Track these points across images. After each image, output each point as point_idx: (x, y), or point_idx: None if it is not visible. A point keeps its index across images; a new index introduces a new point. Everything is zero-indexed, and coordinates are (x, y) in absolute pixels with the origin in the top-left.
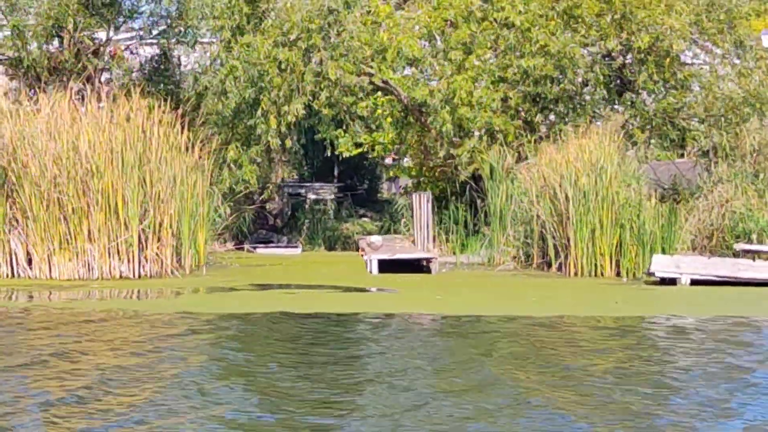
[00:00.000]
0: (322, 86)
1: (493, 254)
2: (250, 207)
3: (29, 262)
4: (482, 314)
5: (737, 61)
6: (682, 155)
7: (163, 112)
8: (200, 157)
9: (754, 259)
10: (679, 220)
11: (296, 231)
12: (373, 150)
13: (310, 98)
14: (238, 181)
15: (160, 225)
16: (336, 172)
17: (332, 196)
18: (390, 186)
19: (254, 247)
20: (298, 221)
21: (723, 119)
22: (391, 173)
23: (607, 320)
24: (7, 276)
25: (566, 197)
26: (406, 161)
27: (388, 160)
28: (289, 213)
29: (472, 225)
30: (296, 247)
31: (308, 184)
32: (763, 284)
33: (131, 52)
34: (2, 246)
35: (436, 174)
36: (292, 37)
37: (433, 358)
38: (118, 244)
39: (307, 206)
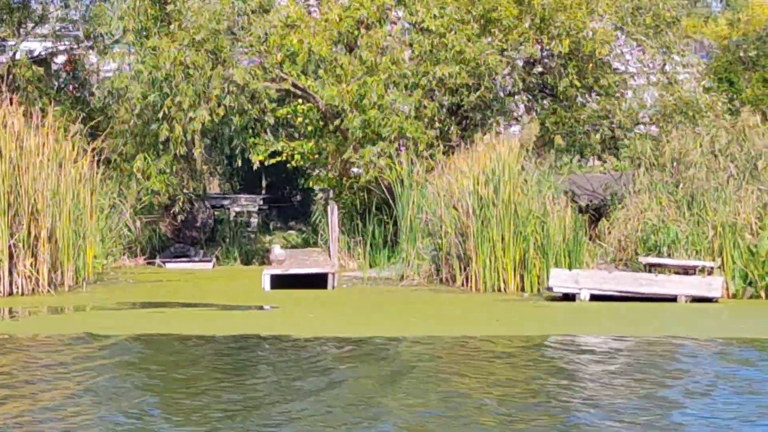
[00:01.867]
0: (228, 91)
1: (404, 268)
2: (149, 218)
3: None
4: (340, 335)
5: (668, 68)
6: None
7: (69, 121)
8: (97, 167)
9: (656, 274)
10: (584, 232)
11: (217, 244)
12: (292, 159)
13: (216, 104)
14: (147, 193)
15: (36, 239)
16: (264, 183)
17: (256, 208)
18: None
19: (164, 262)
20: (219, 234)
21: (653, 125)
22: (309, 183)
23: (474, 341)
24: None
25: (468, 209)
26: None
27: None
28: (212, 226)
29: (390, 237)
30: (209, 261)
31: (232, 196)
32: (664, 300)
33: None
34: None
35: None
36: (198, 38)
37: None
38: None
39: (230, 219)
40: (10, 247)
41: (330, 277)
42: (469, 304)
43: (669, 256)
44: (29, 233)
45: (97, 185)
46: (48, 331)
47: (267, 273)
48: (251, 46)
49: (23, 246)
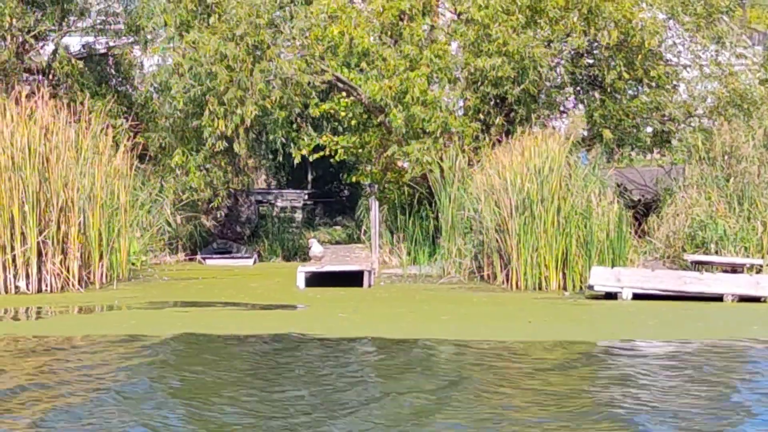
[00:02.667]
0: (274, 85)
1: (445, 265)
2: (189, 214)
3: None
4: (368, 335)
5: (722, 59)
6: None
7: (111, 116)
8: (140, 162)
9: (701, 272)
10: (628, 228)
11: (260, 240)
12: (335, 153)
13: (261, 98)
14: (186, 189)
15: (66, 236)
16: (310, 178)
17: (301, 203)
18: None
19: (205, 258)
20: (263, 230)
21: (708, 119)
22: (353, 178)
23: (512, 346)
24: None
25: (510, 204)
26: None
27: None
28: (256, 221)
29: (432, 234)
30: (250, 257)
31: (276, 191)
32: (710, 299)
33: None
34: None
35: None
36: (239, 32)
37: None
38: (14, 257)
39: (274, 214)
40: (38, 243)
41: (366, 274)
42: (505, 304)
43: (717, 253)
44: (59, 229)
45: (137, 181)
46: (69, 333)
47: (302, 271)
48: (293, 38)
49: (52, 242)
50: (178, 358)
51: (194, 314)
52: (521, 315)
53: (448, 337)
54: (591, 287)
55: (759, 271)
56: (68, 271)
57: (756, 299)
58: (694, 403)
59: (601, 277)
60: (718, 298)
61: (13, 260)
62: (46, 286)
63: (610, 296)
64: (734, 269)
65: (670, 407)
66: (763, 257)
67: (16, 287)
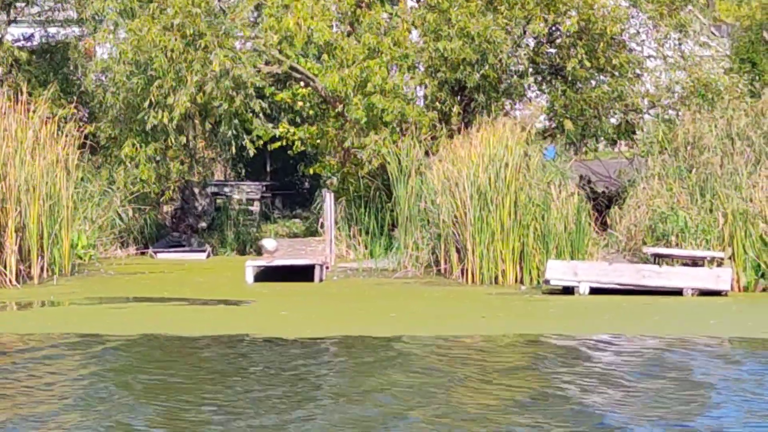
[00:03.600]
0: (210, 77)
1: (401, 259)
2: (140, 207)
3: None
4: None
5: (685, 48)
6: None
7: (58, 105)
8: (91, 154)
9: (661, 265)
10: (587, 220)
11: (216, 233)
12: (293, 144)
13: (196, 90)
14: (137, 181)
15: (2, 229)
16: (269, 170)
17: (259, 196)
18: None
19: (156, 252)
20: (218, 223)
21: (671, 110)
22: (311, 170)
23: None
24: None
25: (466, 196)
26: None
27: None
28: (212, 214)
29: (389, 226)
30: (203, 251)
31: (233, 183)
32: (669, 293)
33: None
34: None
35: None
36: (176, 22)
37: None
38: None
39: (230, 207)
40: None
41: (317, 268)
42: (459, 299)
43: (677, 245)
44: None
45: (85, 172)
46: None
47: (250, 265)
48: (235, 29)
49: None
50: (85, 358)
51: (126, 311)
52: (474, 311)
53: (394, 334)
54: (547, 281)
55: (720, 265)
56: (5, 266)
57: (716, 293)
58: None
59: (558, 271)
60: (678, 292)
61: None
62: None
63: (568, 290)
64: (695, 262)
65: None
66: (723, 250)
67: None
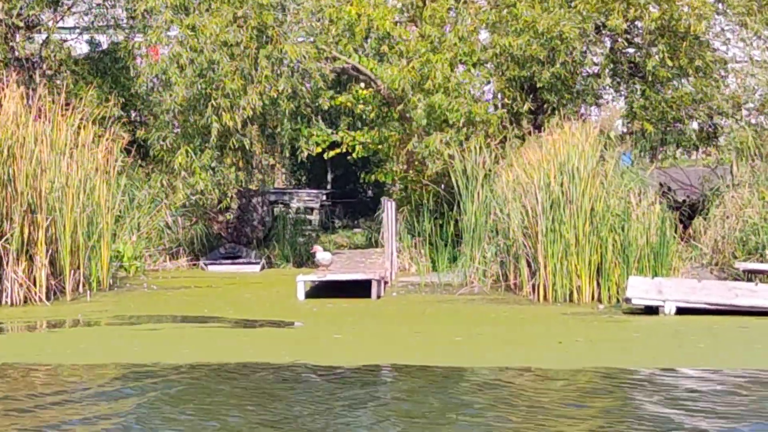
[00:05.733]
0: (279, 73)
1: (467, 273)
2: (190, 215)
3: None
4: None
5: None
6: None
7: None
8: (143, 160)
9: (756, 282)
10: (671, 232)
11: (272, 244)
12: (353, 150)
13: (266, 87)
14: (196, 192)
15: (32, 241)
16: (330, 178)
17: (318, 204)
18: None
19: (208, 264)
20: (275, 233)
21: (758, 114)
22: (372, 177)
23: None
24: None
25: (537, 206)
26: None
27: None
28: (270, 224)
29: (452, 238)
30: (257, 263)
31: (292, 191)
32: (765, 314)
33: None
34: None
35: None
36: (240, 13)
37: None
38: None
39: (289, 216)
40: None
41: (374, 284)
42: (529, 320)
43: None
44: (21, 233)
45: (135, 179)
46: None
47: (301, 280)
48: (300, 21)
49: (15, 248)
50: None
51: (156, 335)
52: (548, 335)
53: (461, 364)
54: (628, 300)
55: None
56: (33, 281)
57: None
58: None
59: (640, 289)
60: None
61: None
62: (7, 297)
63: (651, 310)
64: None
65: None
66: None
67: None
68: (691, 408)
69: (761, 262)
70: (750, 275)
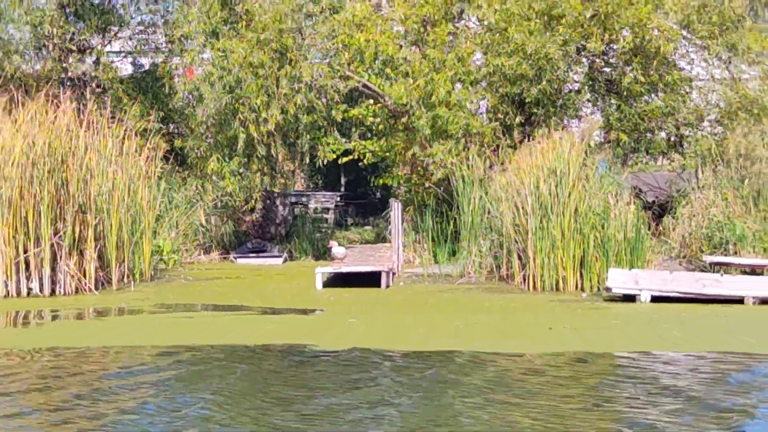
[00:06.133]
0: (297, 90)
1: (465, 265)
2: (221, 214)
3: None
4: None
5: (732, 66)
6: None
7: (147, 121)
8: (179, 167)
9: (721, 273)
10: (646, 229)
11: (293, 239)
12: (364, 157)
13: (285, 102)
14: (225, 194)
15: (83, 238)
16: (343, 181)
17: (333, 205)
18: None
19: (237, 257)
20: (295, 230)
21: (718, 124)
22: (380, 181)
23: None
24: None
25: (527, 205)
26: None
27: None
28: (291, 221)
29: (454, 234)
30: (280, 256)
31: (310, 193)
32: (729, 301)
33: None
34: None
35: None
36: (264, 37)
37: None
38: (27, 259)
39: (307, 215)
40: (53, 245)
41: (383, 275)
42: (522, 307)
43: (735, 254)
44: (73, 231)
45: (173, 183)
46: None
47: (320, 272)
48: (316, 44)
49: (68, 244)
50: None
51: (191, 322)
52: (540, 322)
53: (463, 349)
54: (609, 289)
55: None
56: (83, 273)
57: None
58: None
59: (619, 280)
60: (739, 301)
61: (27, 262)
62: (60, 288)
63: (628, 298)
64: (754, 271)
65: None
66: None
67: (29, 289)
68: (664, 384)
69: (725, 255)
70: (716, 267)
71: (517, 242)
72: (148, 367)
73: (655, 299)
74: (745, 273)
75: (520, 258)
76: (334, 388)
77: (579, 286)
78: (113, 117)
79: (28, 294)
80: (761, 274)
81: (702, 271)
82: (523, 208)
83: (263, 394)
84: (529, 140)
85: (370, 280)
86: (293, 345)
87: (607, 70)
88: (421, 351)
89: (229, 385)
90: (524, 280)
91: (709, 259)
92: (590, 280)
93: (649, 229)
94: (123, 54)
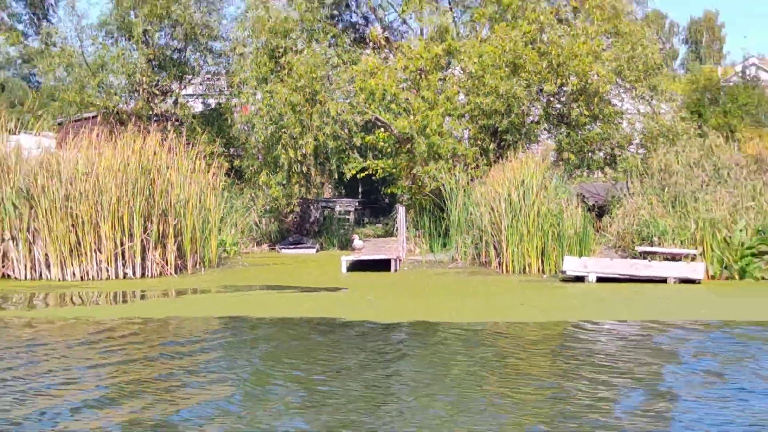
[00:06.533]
0: (326, 122)
1: (453, 254)
2: (270, 216)
3: (48, 265)
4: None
5: (654, 102)
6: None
7: (213, 146)
8: (238, 180)
9: (650, 260)
10: (591, 226)
11: (323, 234)
12: (376, 173)
13: (316, 132)
14: (272, 200)
15: (165, 234)
16: (360, 191)
17: (353, 208)
18: None
19: (282, 248)
20: (325, 227)
21: (642, 147)
22: (389, 190)
23: (510, 326)
24: (31, 278)
25: (501, 208)
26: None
27: None
28: (321, 221)
29: (444, 230)
30: (313, 247)
31: (336, 199)
32: (656, 281)
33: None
34: (28, 251)
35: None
36: (300, 84)
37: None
38: (123, 251)
39: (334, 216)
40: (142, 240)
41: (393, 262)
42: (499, 286)
43: (659, 245)
44: (158, 229)
45: (233, 193)
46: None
47: (344, 259)
48: (340, 87)
49: (154, 239)
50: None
51: (251, 297)
52: (514, 297)
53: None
54: (564, 272)
55: (693, 259)
56: (166, 261)
57: (692, 281)
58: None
59: (572, 264)
60: (663, 281)
61: (123, 253)
62: (148, 272)
63: (579, 279)
64: (673, 257)
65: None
66: (696, 248)
67: (124, 274)
68: (610, 344)
69: (651, 246)
70: (644, 255)
71: (493, 236)
72: (215, 334)
73: (600, 279)
74: (666, 260)
75: (495, 248)
76: (358, 351)
77: (540, 269)
78: (188, 143)
79: (124, 277)
80: (679, 260)
81: (633, 258)
82: (498, 210)
83: (305, 355)
84: (501, 160)
85: (383, 265)
86: (326, 318)
87: (559, 106)
88: (424, 321)
89: (278, 349)
90: (499, 264)
91: (639, 248)
92: (549, 265)
93: (594, 226)
94: (195, 96)
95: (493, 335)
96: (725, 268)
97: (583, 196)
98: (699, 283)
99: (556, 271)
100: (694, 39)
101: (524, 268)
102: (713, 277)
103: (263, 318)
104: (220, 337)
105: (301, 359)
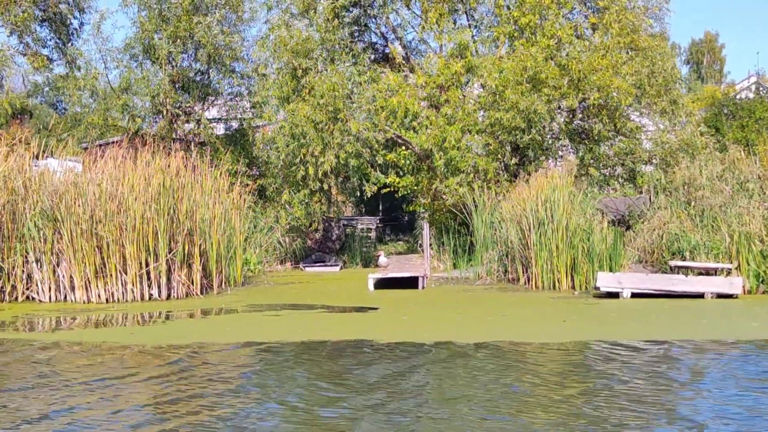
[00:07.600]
0: (347, 141)
1: (478, 270)
2: (293, 235)
3: (72, 287)
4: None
5: (674, 116)
6: (640, 191)
7: (236, 165)
8: (260, 199)
9: (687, 275)
10: (621, 241)
11: (346, 252)
12: (397, 190)
13: (338, 149)
14: (294, 219)
15: (191, 254)
16: (381, 208)
17: (375, 226)
18: None
19: (305, 266)
20: (347, 245)
21: (663, 161)
22: (410, 208)
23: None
24: (56, 299)
25: (530, 224)
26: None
27: None
28: (343, 239)
29: (468, 246)
30: (337, 265)
31: (358, 217)
32: (692, 296)
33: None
34: (51, 273)
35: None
36: (322, 102)
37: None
38: (148, 271)
39: (356, 234)
40: (168, 260)
41: (420, 279)
42: (533, 303)
43: (691, 259)
44: (183, 249)
45: (253, 212)
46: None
47: (371, 277)
48: (362, 106)
49: (179, 259)
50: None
51: (278, 319)
52: (553, 315)
53: (500, 339)
54: (597, 288)
55: (729, 274)
56: (191, 281)
57: (729, 296)
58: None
59: (605, 280)
60: (699, 296)
61: (148, 274)
62: (174, 293)
63: (612, 295)
64: (708, 272)
65: None
66: (731, 262)
67: (150, 294)
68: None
69: (684, 261)
70: (678, 269)
71: (521, 252)
72: (247, 360)
73: (635, 295)
74: (701, 274)
75: (522, 264)
76: (396, 375)
77: (570, 285)
78: (211, 163)
79: (150, 298)
80: (714, 274)
81: (663, 272)
82: (525, 226)
83: (338, 384)
84: (521, 175)
85: (409, 282)
86: (360, 340)
87: (579, 121)
88: (482, 341)
89: (310, 376)
90: (528, 281)
91: (673, 263)
92: (579, 281)
93: (622, 241)
94: (218, 117)
95: (561, 353)
96: (762, 282)
97: (602, 212)
98: (736, 297)
99: (586, 287)
100: (695, 60)
101: (554, 284)
102: (750, 292)
103: (294, 343)
104: (241, 359)
105: (334, 389)
